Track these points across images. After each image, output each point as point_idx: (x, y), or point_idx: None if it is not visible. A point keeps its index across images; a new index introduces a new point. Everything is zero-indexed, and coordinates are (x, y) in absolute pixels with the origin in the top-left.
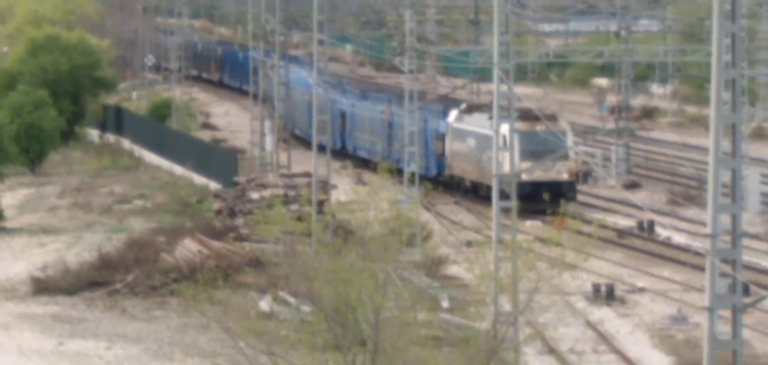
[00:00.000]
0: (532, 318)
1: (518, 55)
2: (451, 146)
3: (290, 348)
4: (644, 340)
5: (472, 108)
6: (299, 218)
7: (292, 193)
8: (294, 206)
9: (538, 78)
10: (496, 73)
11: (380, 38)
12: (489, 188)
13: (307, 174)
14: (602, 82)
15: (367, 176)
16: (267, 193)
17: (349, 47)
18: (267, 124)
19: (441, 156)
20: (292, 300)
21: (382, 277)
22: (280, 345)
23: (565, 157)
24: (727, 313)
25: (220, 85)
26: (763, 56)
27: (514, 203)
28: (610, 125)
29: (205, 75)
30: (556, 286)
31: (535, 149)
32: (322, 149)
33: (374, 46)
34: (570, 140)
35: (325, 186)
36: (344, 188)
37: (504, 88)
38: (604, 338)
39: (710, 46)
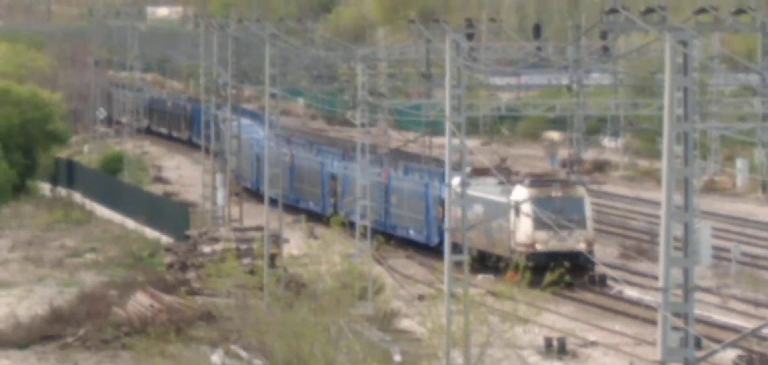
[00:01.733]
0: None
1: (470, 108)
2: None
3: None
4: None
5: (478, 171)
6: (251, 272)
7: (244, 246)
8: (246, 260)
9: (490, 131)
10: (448, 126)
11: (332, 92)
12: (498, 259)
13: (259, 228)
14: (554, 135)
15: (319, 229)
16: (219, 247)
17: (301, 101)
18: (219, 177)
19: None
20: (244, 353)
21: (335, 331)
22: None
23: (583, 225)
24: None
25: (189, 144)
26: (714, 110)
27: (466, 257)
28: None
29: (175, 134)
30: (509, 340)
31: (551, 217)
32: (274, 202)
33: (326, 99)
34: (588, 206)
35: (278, 240)
36: (296, 241)
37: (456, 141)
38: None
39: (662, 100)
